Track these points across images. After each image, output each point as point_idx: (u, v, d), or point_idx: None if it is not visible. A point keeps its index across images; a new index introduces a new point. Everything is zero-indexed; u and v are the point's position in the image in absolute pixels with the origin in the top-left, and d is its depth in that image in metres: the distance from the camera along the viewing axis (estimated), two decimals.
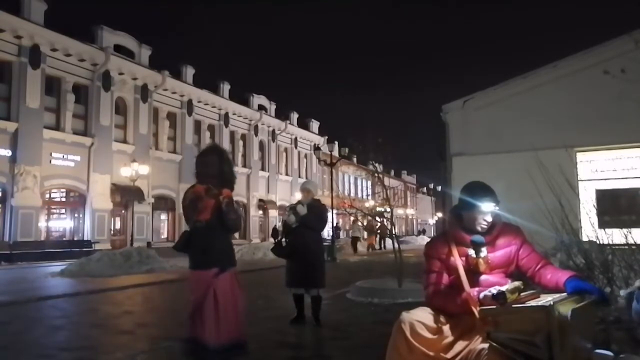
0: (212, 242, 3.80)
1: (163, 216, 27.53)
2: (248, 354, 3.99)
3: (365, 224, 20.15)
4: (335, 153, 25.28)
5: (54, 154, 20.82)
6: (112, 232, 23.39)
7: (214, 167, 3.92)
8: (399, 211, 53.03)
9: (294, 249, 5.51)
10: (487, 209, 2.43)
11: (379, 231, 27.04)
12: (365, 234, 28.66)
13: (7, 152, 19.13)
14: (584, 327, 2.17)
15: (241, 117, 32.97)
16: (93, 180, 22.18)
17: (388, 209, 9.15)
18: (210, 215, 3.76)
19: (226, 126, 31.51)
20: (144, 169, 22.23)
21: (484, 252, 2.44)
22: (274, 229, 6.24)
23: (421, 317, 2.35)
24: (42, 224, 20.66)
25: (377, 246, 28.09)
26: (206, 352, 3.65)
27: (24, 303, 7.92)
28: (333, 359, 4.35)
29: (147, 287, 10.08)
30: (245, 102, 33.72)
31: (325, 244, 9.21)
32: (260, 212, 34.41)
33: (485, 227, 2.46)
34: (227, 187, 3.88)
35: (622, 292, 3.05)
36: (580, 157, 8.62)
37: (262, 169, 34.96)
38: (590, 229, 4.10)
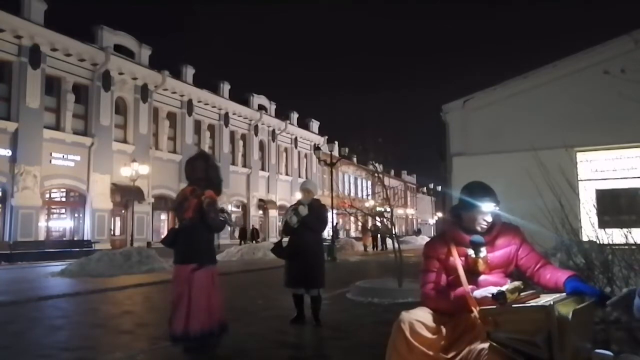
0: (194, 239, 4.15)
1: (163, 216, 27.53)
2: (220, 343, 4.16)
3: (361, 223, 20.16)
4: (335, 153, 25.29)
5: (54, 154, 20.83)
6: (112, 232, 23.39)
7: (201, 172, 4.29)
8: (399, 211, 53.02)
9: (295, 249, 5.50)
10: (487, 209, 2.43)
11: (378, 231, 26.89)
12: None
13: (7, 152, 19.14)
14: (584, 327, 2.17)
15: (241, 117, 32.97)
16: (93, 180, 22.18)
17: (388, 209, 9.14)
18: (192, 214, 4.03)
19: (226, 126, 31.51)
20: (144, 169, 22.23)
21: (483, 252, 2.45)
22: (242, 229, 6.25)
23: (421, 316, 2.35)
24: (42, 224, 20.67)
25: (373, 247, 27.60)
26: (177, 341, 3.99)
27: (24, 303, 7.92)
28: (333, 359, 4.35)
29: (147, 287, 10.08)
30: (245, 102, 33.72)
31: (325, 244, 9.22)
32: (260, 212, 34.40)
33: (485, 227, 2.46)
34: (213, 190, 4.16)
35: (624, 290, 3.05)
36: (580, 157, 8.61)
37: (262, 169, 34.95)
38: (590, 229, 4.09)
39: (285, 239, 5.80)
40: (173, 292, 4.11)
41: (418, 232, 53.13)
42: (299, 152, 40.11)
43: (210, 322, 4.03)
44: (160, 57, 45.72)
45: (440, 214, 50.97)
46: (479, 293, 2.28)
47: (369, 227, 26.77)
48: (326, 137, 38.19)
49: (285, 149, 38.49)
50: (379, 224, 22.03)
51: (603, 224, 4.18)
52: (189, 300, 3.95)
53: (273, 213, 35.11)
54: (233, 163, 31.82)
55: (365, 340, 4.86)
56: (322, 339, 5.15)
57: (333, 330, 5.33)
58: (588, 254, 3.73)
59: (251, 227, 30.37)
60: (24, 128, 19.50)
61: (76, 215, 22.58)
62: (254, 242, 24.97)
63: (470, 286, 2.34)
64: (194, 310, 3.94)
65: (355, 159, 41.77)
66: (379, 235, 27.61)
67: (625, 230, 3.75)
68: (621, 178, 8.40)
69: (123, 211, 24.16)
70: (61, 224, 22.50)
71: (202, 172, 4.29)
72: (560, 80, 8.98)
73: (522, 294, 2.21)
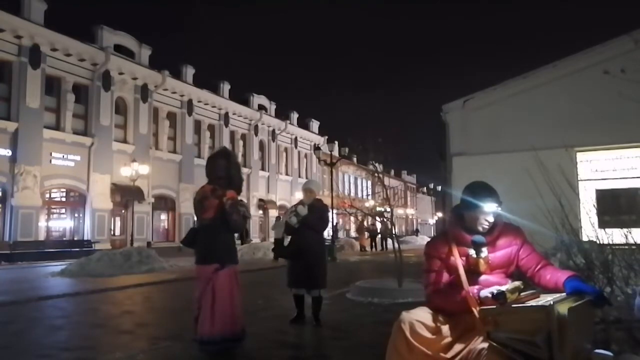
0: (215, 239, 4.04)
1: (163, 216, 27.52)
2: (241, 347, 4.15)
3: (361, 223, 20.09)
4: (335, 153, 25.27)
5: (54, 154, 20.83)
6: (112, 232, 23.38)
7: (222, 170, 4.18)
8: (399, 211, 53.02)
9: (297, 249, 5.50)
10: (489, 209, 2.43)
11: (378, 231, 26.68)
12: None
13: (7, 152, 19.14)
14: (583, 327, 2.17)
15: (241, 117, 32.97)
16: (93, 180, 22.18)
17: (388, 209, 9.14)
18: (214, 214, 3.96)
19: (226, 126, 31.51)
20: (144, 169, 22.22)
21: (484, 252, 2.45)
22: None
23: (421, 316, 2.35)
24: (42, 223, 20.67)
25: (370, 247, 27.14)
26: (201, 344, 3.93)
27: (24, 303, 7.92)
28: (333, 359, 4.35)
29: (147, 287, 10.08)
30: (245, 102, 33.73)
31: (325, 244, 9.22)
32: (260, 212, 34.40)
33: (486, 227, 2.46)
34: (234, 189, 4.06)
35: (629, 291, 3.04)
36: (580, 157, 8.62)
37: (262, 168, 34.95)
38: (590, 229, 4.09)
39: (287, 238, 5.78)
40: (196, 293, 4.07)
41: (416, 232, 53.08)
42: (299, 152, 40.11)
43: (235, 326, 3.99)
44: (160, 57, 45.84)
45: (440, 214, 50.94)
46: (483, 293, 2.28)
47: (366, 228, 26.53)
48: (326, 137, 38.17)
49: (285, 149, 38.50)
50: (378, 224, 22.03)
51: (603, 224, 4.18)
52: (212, 302, 3.89)
53: (273, 213, 35.10)
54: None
55: (365, 340, 4.86)
56: (322, 339, 5.14)
57: (333, 330, 5.33)
58: (588, 254, 3.73)
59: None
60: (24, 128, 19.50)
61: (76, 215, 22.58)
62: (242, 243, 24.25)
63: (477, 286, 2.34)
64: (218, 312, 3.88)
65: (355, 159, 41.80)
66: (379, 236, 27.41)
67: (625, 230, 3.75)
68: (621, 178, 8.41)
69: (123, 211, 24.16)
70: (61, 224, 22.49)
71: (224, 171, 4.19)
72: (560, 80, 8.99)
73: (522, 294, 2.21)
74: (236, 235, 4.62)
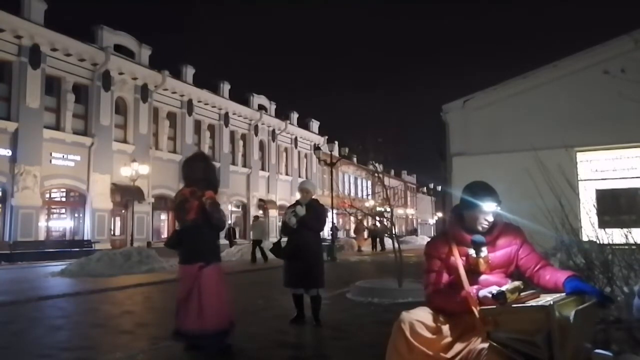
0: (199, 239, 4.16)
1: (163, 216, 27.51)
2: (230, 341, 4.22)
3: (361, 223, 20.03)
4: (335, 153, 25.24)
5: (54, 154, 20.82)
6: (112, 232, 23.37)
7: (200, 172, 4.32)
8: (399, 211, 53.01)
9: (294, 249, 5.51)
10: (488, 209, 2.43)
11: (377, 233, 26.49)
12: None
13: (7, 152, 19.13)
14: (584, 327, 2.17)
15: (241, 117, 32.96)
16: (93, 180, 22.18)
17: (388, 209, 9.14)
18: (195, 215, 4.06)
19: (226, 126, 31.50)
20: (144, 169, 22.22)
21: (484, 252, 2.45)
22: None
23: (421, 316, 2.35)
24: (42, 223, 20.65)
25: (372, 248, 26.81)
26: (191, 339, 4.03)
27: (24, 303, 7.92)
28: (333, 358, 4.35)
29: (147, 287, 10.08)
30: (245, 102, 33.71)
31: (324, 244, 9.23)
32: (261, 212, 34.40)
33: (486, 226, 2.46)
34: (211, 190, 4.18)
35: (626, 289, 3.05)
36: (580, 157, 8.62)
37: (262, 168, 34.94)
38: (590, 229, 4.09)
39: (284, 239, 5.81)
40: (181, 291, 4.15)
41: (414, 232, 53.06)
42: (299, 152, 40.10)
43: (222, 321, 4.08)
44: (160, 57, 45.80)
45: (440, 214, 50.90)
46: (483, 293, 2.28)
47: (365, 228, 26.37)
48: (326, 137, 38.14)
49: (285, 149, 38.48)
50: (378, 224, 21.98)
51: (603, 224, 4.18)
52: (199, 298, 3.97)
53: (273, 213, 35.10)
54: (233, 163, 31.80)
55: (365, 340, 4.86)
56: (322, 339, 5.15)
57: (333, 330, 5.33)
58: (588, 254, 3.73)
59: (229, 227, 24.94)
60: (24, 128, 19.49)
61: (76, 215, 22.57)
62: (230, 244, 22.38)
63: (477, 286, 2.34)
64: (206, 308, 3.97)
65: (355, 159, 41.79)
66: (377, 237, 27.24)
67: (625, 230, 3.75)
68: (621, 178, 8.41)
69: (123, 211, 24.15)
70: (61, 224, 22.48)
71: (201, 173, 4.32)
72: (560, 80, 8.99)
73: (522, 294, 2.21)
74: (223, 235, 4.68)
